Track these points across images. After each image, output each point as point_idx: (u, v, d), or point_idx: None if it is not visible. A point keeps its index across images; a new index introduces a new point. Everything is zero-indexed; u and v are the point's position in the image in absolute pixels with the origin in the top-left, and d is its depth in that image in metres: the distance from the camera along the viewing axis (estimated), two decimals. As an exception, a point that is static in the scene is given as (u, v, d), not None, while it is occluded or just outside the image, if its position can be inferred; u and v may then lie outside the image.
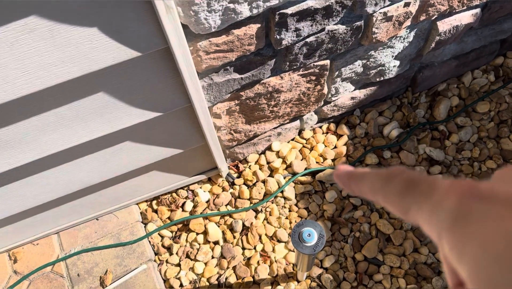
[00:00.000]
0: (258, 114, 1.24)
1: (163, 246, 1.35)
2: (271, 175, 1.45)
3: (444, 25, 1.19)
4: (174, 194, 1.40)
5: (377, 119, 1.49)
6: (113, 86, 0.84)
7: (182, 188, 1.40)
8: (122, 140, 1.03)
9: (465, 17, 1.21)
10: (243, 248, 1.35)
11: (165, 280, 1.30)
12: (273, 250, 1.35)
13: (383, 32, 1.08)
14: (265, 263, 1.33)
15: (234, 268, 1.33)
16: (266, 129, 1.34)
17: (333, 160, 1.46)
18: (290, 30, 0.94)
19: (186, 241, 1.35)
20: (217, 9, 0.79)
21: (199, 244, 1.35)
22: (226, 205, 1.41)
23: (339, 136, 1.50)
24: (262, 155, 1.47)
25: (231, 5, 0.80)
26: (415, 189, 0.23)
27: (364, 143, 1.47)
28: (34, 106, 0.83)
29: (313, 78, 1.19)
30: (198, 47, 0.87)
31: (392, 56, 1.25)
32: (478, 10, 1.21)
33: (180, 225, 1.37)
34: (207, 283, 1.30)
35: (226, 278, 1.31)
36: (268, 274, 1.31)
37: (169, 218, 1.38)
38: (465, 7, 1.16)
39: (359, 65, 1.22)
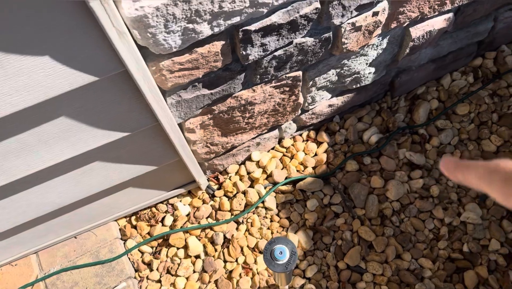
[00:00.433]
0: (234, 126, 1.23)
1: (143, 262, 1.33)
2: (251, 186, 1.43)
3: (417, 31, 1.18)
4: (153, 209, 1.38)
5: (356, 126, 1.48)
6: (75, 110, 0.83)
7: (161, 202, 1.39)
8: (92, 160, 1.01)
9: (438, 22, 1.20)
10: (225, 261, 1.34)
11: (146, 297, 1.29)
12: (255, 262, 1.33)
13: (353, 42, 1.07)
14: (247, 276, 1.32)
15: (216, 282, 1.31)
16: (244, 140, 1.33)
17: (313, 168, 1.45)
18: (256, 45, 0.92)
19: (167, 256, 1.34)
20: (175, 30, 0.77)
21: (180, 258, 1.33)
22: (206, 218, 1.40)
23: (319, 143, 1.49)
24: (242, 165, 1.45)
25: (190, 25, 0.78)
26: None
27: (344, 150, 1.46)
28: (-6, 133, 0.81)
29: (287, 89, 1.17)
30: (161, 66, 0.85)
31: (367, 63, 1.24)
32: (451, 14, 1.20)
33: (160, 240, 1.36)
34: (189, 298, 1.29)
35: (207, 292, 1.30)
36: (250, 287, 1.30)
37: (148, 233, 1.36)
38: (436, 13, 1.15)
39: (333, 74, 1.21)
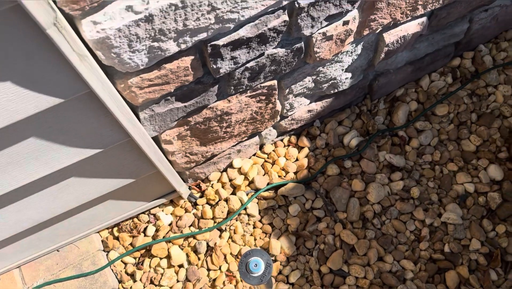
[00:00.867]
0: (212, 136, 1.23)
1: (126, 273, 1.34)
2: (234, 193, 1.44)
3: (390, 37, 1.19)
4: (135, 219, 1.38)
5: (336, 129, 1.49)
6: (44, 130, 0.83)
7: (143, 213, 1.39)
8: (67, 176, 1.01)
9: (412, 27, 1.20)
10: (208, 269, 1.35)
11: (130, 308, 1.29)
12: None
13: (326, 51, 1.07)
14: (230, 283, 1.33)
15: (199, 290, 1.32)
16: (223, 149, 1.33)
17: (295, 173, 1.46)
18: (226, 59, 0.92)
19: (150, 266, 1.34)
20: (140, 49, 0.77)
21: (163, 268, 1.34)
22: (189, 226, 1.40)
23: (300, 148, 1.49)
24: (224, 173, 1.46)
25: (155, 44, 0.78)
26: None
27: (325, 154, 1.47)
28: (-37, 156, 0.81)
29: (263, 98, 1.18)
30: (130, 84, 0.85)
31: (342, 69, 1.24)
32: (424, 19, 1.21)
33: (143, 251, 1.36)
34: (173, 308, 1.30)
35: (191, 301, 1.30)
36: (234, 294, 1.31)
37: (131, 244, 1.37)
38: (409, 18, 1.16)
39: (309, 81, 1.21)
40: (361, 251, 1.34)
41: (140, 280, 1.32)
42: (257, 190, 1.43)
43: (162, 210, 1.41)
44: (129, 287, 1.32)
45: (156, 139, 1.11)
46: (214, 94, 1.05)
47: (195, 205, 1.43)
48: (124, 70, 0.81)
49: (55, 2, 0.63)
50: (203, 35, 0.83)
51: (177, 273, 1.33)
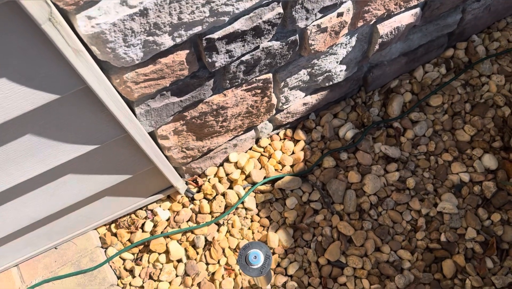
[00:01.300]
0: (208, 130, 1.23)
1: (125, 269, 1.34)
2: (231, 187, 1.44)
3: (384, 28, 1.19)
4: (132, 215, 1.38)
5: (332, 122, 1.49)
6: (40, 127, 0.82)
7: (140, 209, 1.39)
8: (64, 173, 1.01)
9: (405, 18, 1.21)
10: (207, 263, 1.35)
11: (129, 304, 1.30)
12: (237, 263, 1.34)
13: (321, 43, 1.07)
14: (229, 277, 1.33)
15: (199, 284, 1.32)
16: (220, 143, 1.33)
17: (291, 166, 1.46)
18: (221, 52, 0.92)
19: (148, 262, 1.34)
20: (135, 43, 0.77)
21: (162, 263, 1.34)
22: (187, 221, 1.40)
23: (296, 141, 1.50)
24: (221, 167, 1.46)
25: (150, 38, 0.78)
26: None
27: (321, 146, 1.48)
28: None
29: (258, 91, 1.18)
30: (125, 79, 0.85)
31: (337, 61, 1.24)
32: (417, 9, 1.21)
33: (141, 246, 1.36)
34: (172, 303, 1.30)
35: (191, 296, 1.31)
36: (233, 288, 1.32)
37: (129, 240, 1.37)
38: (403, 9, 1.16)
39: (304, 74, 1.22)
40: (358, 242, 1.35)
41: (139, 275, 1.32)
42: (254, 183, 1.43)
43: (160, 206, 1.41)
44: (128, 283, 1.32)
45: (152, 135, 1.11)
46: (209, 88, 1.05)
47: (192, 200, 1.43)
48: (120, 65, 0.81)
49: (49, -3, 0.63)
50: (198, 29, 0.83)
51: (176, 267, 1.34)
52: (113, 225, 1.38)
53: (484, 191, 1.39)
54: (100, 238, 1.37)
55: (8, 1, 0.59)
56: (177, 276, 1.33)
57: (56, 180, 1.02)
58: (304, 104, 1.40)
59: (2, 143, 0.82)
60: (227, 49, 0.92)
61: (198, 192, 1.44)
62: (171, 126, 1.12)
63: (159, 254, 1.35)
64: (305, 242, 1.38)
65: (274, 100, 1.26)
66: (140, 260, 1.34)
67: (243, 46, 0.94)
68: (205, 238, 1.37)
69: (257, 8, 0.87)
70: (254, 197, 1.43)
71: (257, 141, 1.49)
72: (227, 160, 1.45)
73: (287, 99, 1.31)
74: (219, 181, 1.44)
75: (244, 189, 1.42)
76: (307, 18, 0.96)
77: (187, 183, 1.42)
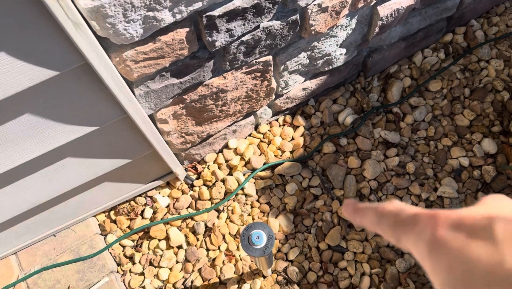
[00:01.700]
0: (208, 115, 1.22)
1: (125, 256, 1.33)
2: (230, 173, 1.43)
3: (384, 10, 1.18)
4: (132, 202, 1.37)
5: (331, 108, 1.49)
6: (39, 106, 0.81)
7: (139, 195, 1.38)
8: (63, 157, 1.00)
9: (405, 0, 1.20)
10: (207, 250, 1.34)
11: (130, 290, 1.29)
12: (238, 248, 1.34)
13: (321, 24, 1.06)
14: (230, 262, 1.33)
15: (199, 270, 1.32)
16: (219, 129, 1.32)
17: (291, 152, 1.46)
18: (222, 31, 0.91)
19: (148, 248, 1.33)
20: (135, 19, 0.76)
21: (162, 250, 1.33)
22: (187, 208, 1.39)
23: (295, 127, 1.49)
24: (220, 154, 1.45)
25: (150, 13, 0.77)
26: (402, 222, 0.27)
27: (321, 132, 1.47)
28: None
29: (258, 74, 1.17)
30: (124, 57, 0.84)
31: (337, 45, 1.24)
32: (417, -9, 1.21)
33: (141, 233, 1.35)
34: (173, 289, 1.29)
35: (192, 282, 1.30)
36: (234, 273, 1.31)
37: (129, 227, 1.36)
38: (403, -10, 1.15)
39: (304, 57, 1.21)
40: (358, 226, 1.35)
41: (139, 262, 1.31)
42: (253, 170, 1.42)
43: (159, 192, 1.40)
44: (128, 269, 1.31)
45: (151, 119, 1.10)
46: (209, 70, 1.04)
47: (191, 186, 1.42)
48: (119, 42, 0.79)
49: (48, -32, 0.61)
50: (198, 5, 0.81)
51: (176, 254, 1.33)
52: (112, 212, 1.37)
53: (484, 175, 1.39)
54: (99, 225, 1.36)
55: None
56: (177, 262, 1.33)
57: (55, 163, 1.01)
58: (304, 89, 1.39)
59: (0, 123, 0.80)
60: (228, 27, 0.91)
61: (197, 178, 1.43)
62: (171, 110, 1.11)
63: (159, 240, 1.34)
64: (305, 228, 1.37)
65: (273, 84, 1.26)
66: (140, 246, 1.33)
67: (244, 25, 0.93)
68: (205, 224, 1.36)
69: (258, -15, 0.86)
70: (254, 183, 1.42)
71: (256, 127, 1.48)
72: (226, 146, 1.44)
73: (286, 83, 1.30)
74: (219, 167, 1.44)
75: (243, 175, 1.41)
76: (308, -3, 0.95)
77: (186, 170, 1.42)
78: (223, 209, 1.39)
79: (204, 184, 1.42)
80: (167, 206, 1.39)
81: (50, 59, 0.71)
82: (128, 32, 0.77)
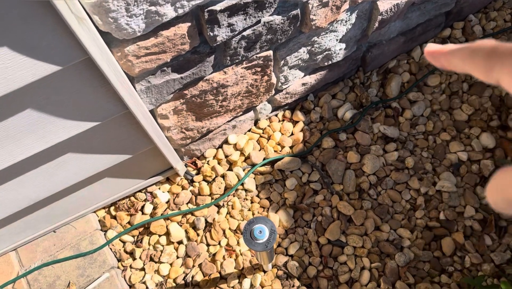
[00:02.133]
0: (208, 110, 1.22)
1: (125, 251, 1.33)
2: (230, 169, 1.44)
3: (384, 4, 1.19)
4: (132, 198, 1.37)
5: (330, 103, 1.49)
6: (41, 101, 0.81)
7: (139, 191, 1.38)
8: (63, 152, 1.00)
9: (405, -5, 1.20)
10: (208, 245, 1.35)
11: (130, 286, 1.29)
12: (238, 243, 1.35)
13: (322, 18, 1.06)
14: (230, 257, 1.33)
15: (200, 265, 1.32)
16: (219, 124, 1.32)
17: (291, 147, 1.46)
18: (223, 26, 0.91)
19: (149, 244, 1.33)
20: (137, 13, 0.75)
21: (162, 245, 1.33)
22: (187, 203, 1.39)
23: (295, 123, 1.49)
24: (220, 149, 1.45)
25: (153, 8, 0.76)
26: (501, 51, 0.27)
27: (320, 127, 1.47)
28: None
29: (259, 69, 1.17)
30: (126, 52, 0.83)
31: (337, 39, 1.24)
32: (417, -14, 1.21)
33: (141, 229, 1.35)
34: (174, 284, 1.30)
35: (192, 277, 1.31)
36: (234, 268, 1.32)
37: (129, 222, 1.36)
38: (403, -15, 1.16)
39: (304, 52, 1.21)
40: (358, 221, 1.35)
41: (140, 257, 1.32)
42: (253, 165, 1.43)
43: (159, 188, 1.40)
44: (129, 265, 1.31)
45: (152, 114, 1.10)
46: (210, 65, 1.04)
47: (191, 182, 1.42)
48: (121, 37, 0.79)
49: (50, -39, 0.61)
50: None
51: (176, 249, 1.33)
52: (112, 208, 1.37)
53: (482, 169, 1.40)
54: (99, 220, 1.36)
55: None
56: (178, 257, 1.33)
57: (56, 159, 1.01)
58: (303, 84, 1.39)
59: (2, 119, 0.80)
60: (229, 22, 0.91)
61: (197, 174, 1.43)
62: (171, 105, 1.11)
63: (160, 236, 1.34)
64: (305, 222, 1.38)
65: (273, 79, 1.26)
66: (141, 242, 1.33)
67: (245, 19, 0.93)
68: (205, 219, 1.36)
69: (260, -20, 0.86)
70: (254, 178, 1.42)
71: (256, 123, 1.48)
72: (226, 141, 1.45)
73: (286, 78, 1.30)
74: (218, 163, 1.44)
75: (243, 170, 1.42)
76: (309, -8, 0.95)
77: (186, 165, 1.42)
78: (223, 204, 1.39)
79: (204, 180, 1.42)
80: (167, 202, 1.39)
81: (52, 54, 0.71)
82: (130, 27, 0.77)
